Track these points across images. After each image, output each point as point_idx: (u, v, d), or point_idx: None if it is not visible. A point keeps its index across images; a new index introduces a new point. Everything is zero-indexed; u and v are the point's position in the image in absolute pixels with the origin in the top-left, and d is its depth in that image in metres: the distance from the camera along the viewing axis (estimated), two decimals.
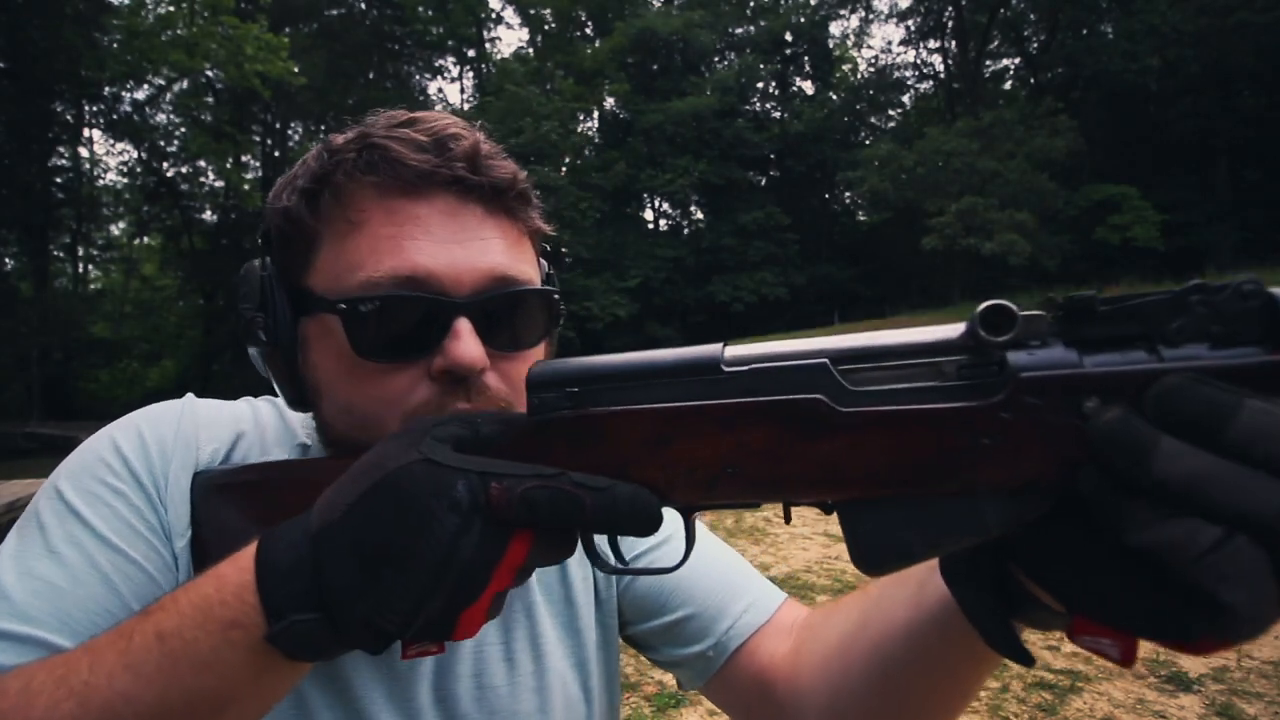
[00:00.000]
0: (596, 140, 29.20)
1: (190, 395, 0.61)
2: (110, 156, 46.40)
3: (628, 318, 23.58)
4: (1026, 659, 0.39)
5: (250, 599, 0.39)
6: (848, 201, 30.50)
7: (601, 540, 0.53)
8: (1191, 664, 3.52)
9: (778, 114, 29.96)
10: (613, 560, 0.50)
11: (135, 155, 23.67)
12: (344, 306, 0.50)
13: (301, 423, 0.61)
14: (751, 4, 31.16)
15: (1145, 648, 0.34)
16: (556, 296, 0.57)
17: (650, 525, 0.40)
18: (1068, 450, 0.33)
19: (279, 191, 0.56)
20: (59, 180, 20.77)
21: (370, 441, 0.44)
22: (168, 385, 27.46)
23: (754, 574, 0.67)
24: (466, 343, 0.49)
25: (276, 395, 0.60)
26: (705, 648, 0.63)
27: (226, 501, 0.52)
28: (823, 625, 0.61)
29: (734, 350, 0.40)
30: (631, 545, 0.65)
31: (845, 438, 0.37)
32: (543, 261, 0.61)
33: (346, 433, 0.53)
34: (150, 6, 16.89)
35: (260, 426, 0.60)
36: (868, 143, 28.04)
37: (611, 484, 0.40)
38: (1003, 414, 0.34)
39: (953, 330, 0.37)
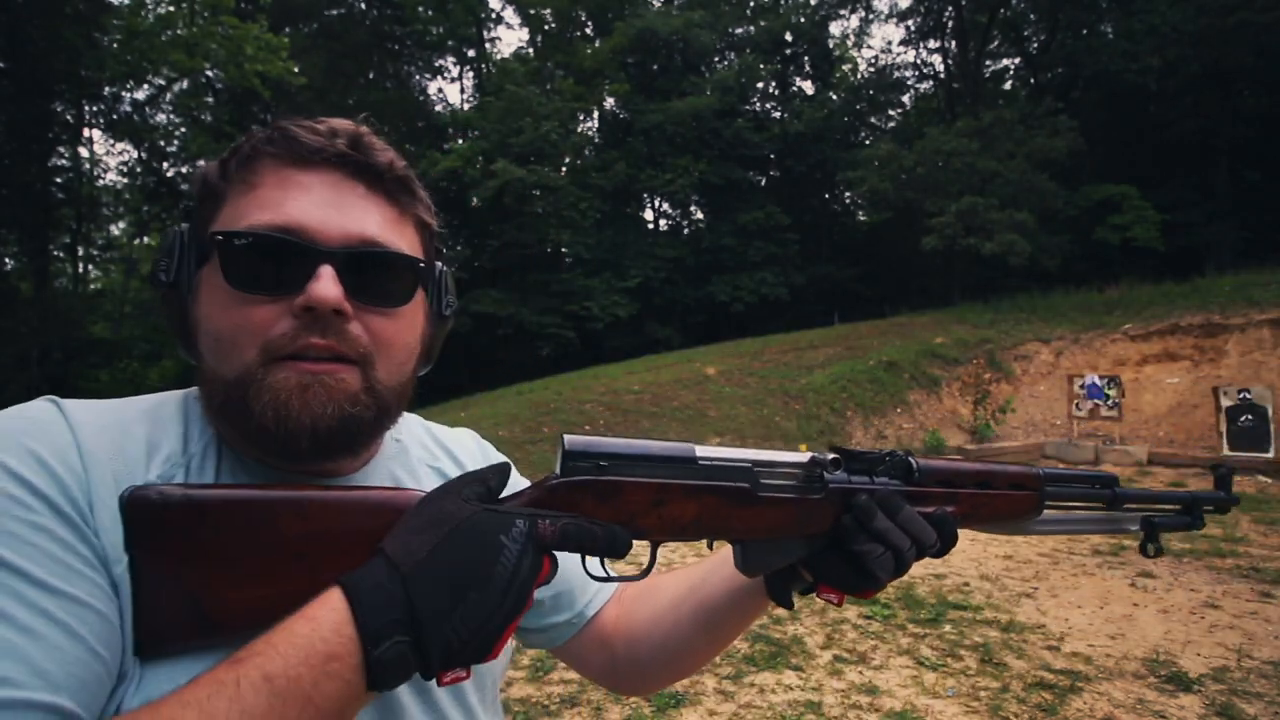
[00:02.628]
0: (596, 140, 29.08)
1: (51, 397, 0.57)
2: (110, 156, 46.23)
3: (627, 318, 23.55)
4: (790, 605, 0.74)
5: (347, 631, 0.46)
6: (848, 201, 30.41)
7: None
8: (1191, 664, 3.51)
9: (778, 114, 29.86)
10: (601, 572, 0.67)
11: (135, 155, 23.62)
12: (220, 237, 0.57)
13: (199, 411, 0.62)
14: (751, 4, 31.11)
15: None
16: (423, 265, 0.65)
17: (624, 554, 0.59)
18: (837, 516, 0.69)
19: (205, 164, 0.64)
20: (59, 180, 20.64)
21: (227, 374, 0.56)
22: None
23: None
24: (325, 284, 0.56)
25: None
26: (570, 616, 0.85)
27: (174, 523, 0.52)
28: (649, 595, 0.87)
29: (701, 449, 0.64)
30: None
31: (757, 508, 0.65)
32: (429, 250, 0.69)
33: (213, 367, 0.58)
34: (150, 6, 16.82)
35: (161, 425, 0.60)
36: (868, 143, 27.91)
37: (607, 525, 0.58)
38: (822, 501, 0.68)
39: (803, 457, 0.69)
